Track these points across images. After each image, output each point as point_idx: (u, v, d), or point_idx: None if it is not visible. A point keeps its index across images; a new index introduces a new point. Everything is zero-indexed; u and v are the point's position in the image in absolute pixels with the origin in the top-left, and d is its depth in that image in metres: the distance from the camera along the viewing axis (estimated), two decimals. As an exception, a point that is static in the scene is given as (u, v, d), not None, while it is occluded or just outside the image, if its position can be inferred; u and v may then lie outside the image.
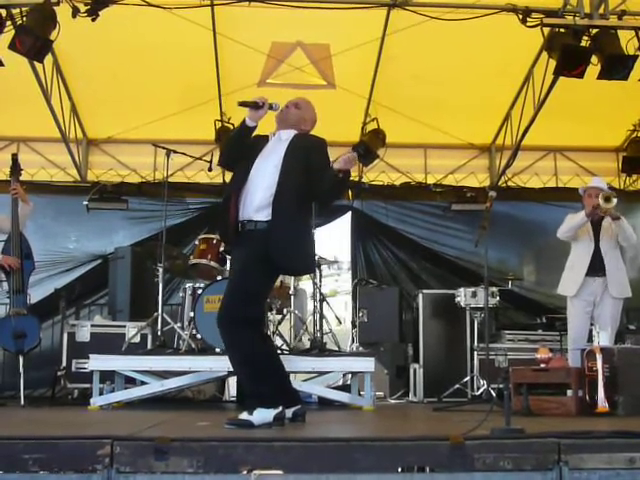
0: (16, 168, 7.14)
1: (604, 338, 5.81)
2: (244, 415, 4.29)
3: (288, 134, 4.75)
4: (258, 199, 4.52)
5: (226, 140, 4.74)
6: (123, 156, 10.13)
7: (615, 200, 6.34)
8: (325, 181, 4.50)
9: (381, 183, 10.28)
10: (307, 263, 4.78)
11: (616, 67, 7.05)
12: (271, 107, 4.71)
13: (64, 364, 7.68)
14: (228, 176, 10.10)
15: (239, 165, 4.73)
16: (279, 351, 6.46)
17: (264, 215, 4.49)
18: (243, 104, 4.65)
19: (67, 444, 3.08)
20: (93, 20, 6.82)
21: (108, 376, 6.55)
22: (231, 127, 9.33)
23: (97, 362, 6.40)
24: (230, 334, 4.45)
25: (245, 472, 3.05)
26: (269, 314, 6.82)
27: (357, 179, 10.21)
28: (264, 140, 4.78)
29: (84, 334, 7.90)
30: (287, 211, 4.47)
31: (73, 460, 3.03)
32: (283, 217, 4.46)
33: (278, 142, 4.74)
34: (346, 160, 4.34)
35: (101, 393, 6.43)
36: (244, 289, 4.45)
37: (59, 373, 7.54)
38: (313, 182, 4.54)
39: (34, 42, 6.69)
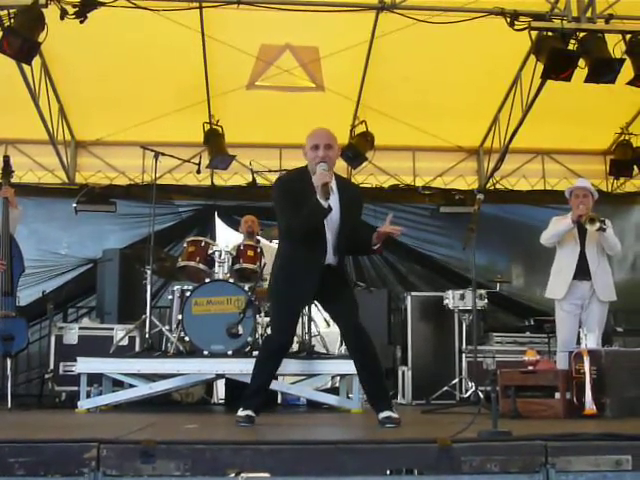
0: (8, 170, 7.10)
1: (591, 340, 5.81)
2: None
3: (334, 182, 4.71)
4: (334, 256, 4.78)
5: (305, 220, 4.64)
6: (111, 158, 10.11)
7: (598, 224, 6.33)
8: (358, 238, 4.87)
9: (369, 186, 10.28)
10: None
11: (603, 70, 7.08)
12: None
13: (52, 367, 7.63)
14: (217, 178, 10.15)
15: None
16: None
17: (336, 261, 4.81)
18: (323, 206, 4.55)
19: (53, 447, 3.06)
20: (81, 22, 6.81)
21: (96, 379, 6.52)
22: (219, 130, 9.32)
23: (85, 365, 6.36)
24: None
25: (232, 475, 3.04)
26: (257, 317, 6.80)
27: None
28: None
29: (72, 337, 7.85)
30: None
31: (59, 463, 3.01)
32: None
33: (333, 194, 4.69)
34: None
35: (88, 396, 6.39)
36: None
37: (47, 376, 7.50)
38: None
39: (22, 44, 6.68)
